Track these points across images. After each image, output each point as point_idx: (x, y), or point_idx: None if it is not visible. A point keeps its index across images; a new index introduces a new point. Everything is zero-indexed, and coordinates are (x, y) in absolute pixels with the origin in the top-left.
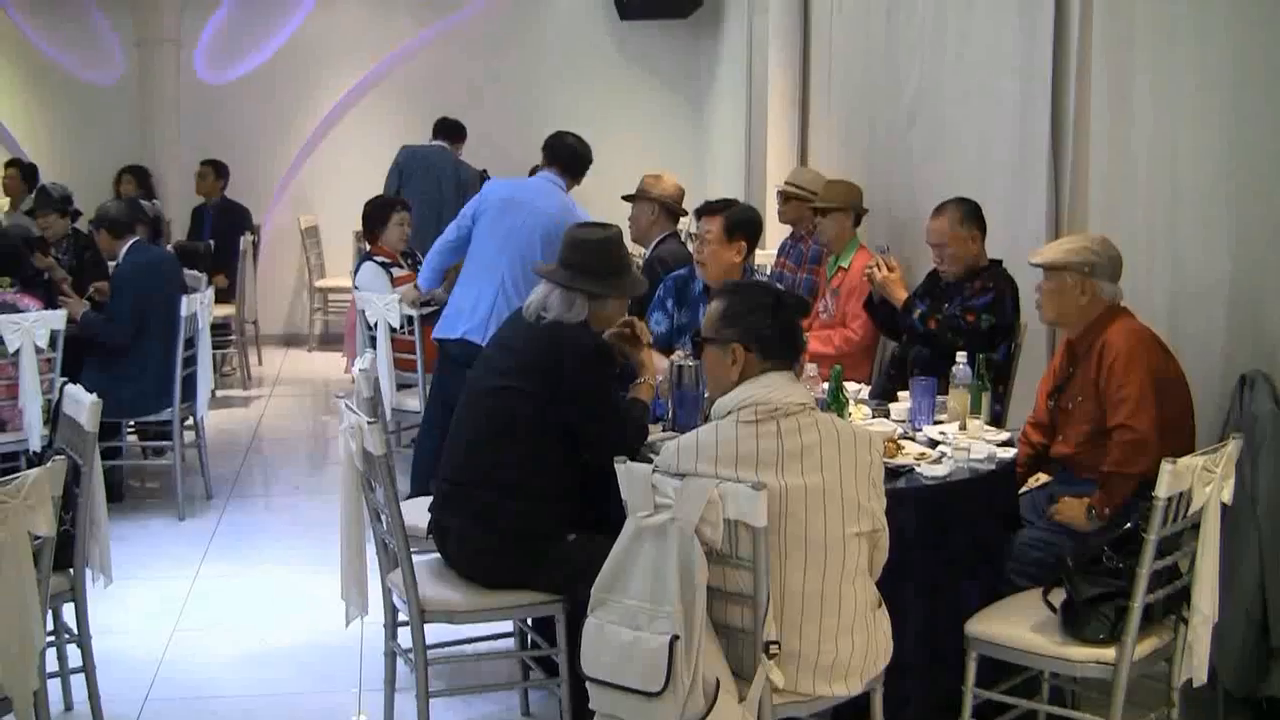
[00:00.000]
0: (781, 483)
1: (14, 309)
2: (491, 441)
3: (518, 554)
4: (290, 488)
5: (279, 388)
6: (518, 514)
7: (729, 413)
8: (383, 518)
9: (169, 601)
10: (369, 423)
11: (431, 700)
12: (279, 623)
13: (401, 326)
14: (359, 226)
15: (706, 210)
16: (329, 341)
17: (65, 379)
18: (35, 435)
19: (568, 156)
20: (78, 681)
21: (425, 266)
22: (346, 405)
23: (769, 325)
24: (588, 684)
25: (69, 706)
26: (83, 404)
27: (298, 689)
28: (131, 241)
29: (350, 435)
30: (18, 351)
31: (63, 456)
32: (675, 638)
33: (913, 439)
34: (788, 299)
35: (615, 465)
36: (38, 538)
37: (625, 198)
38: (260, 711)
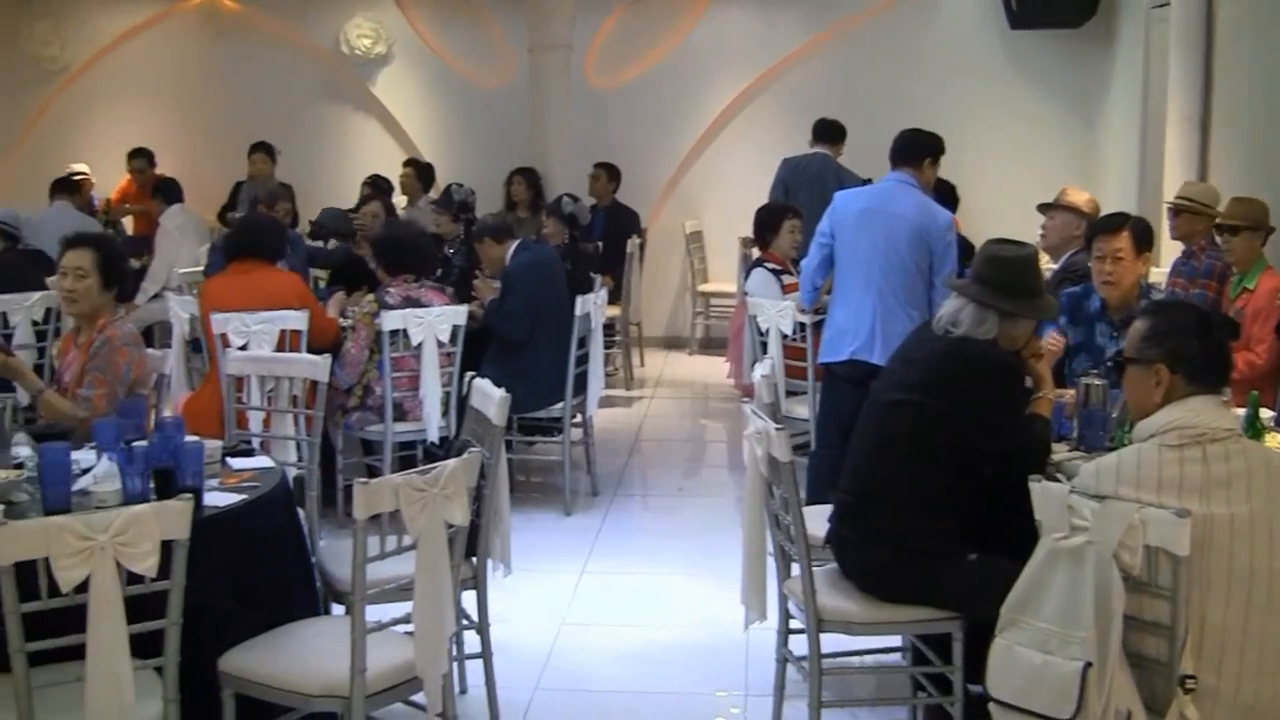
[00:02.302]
0: (1206, 511)
1: (418, 304)
2: (892, 455)
3: (917, 570)
4: (672, 489)
5: (660, 389)
6: (919, 531)
7: (1151, 435)
8: (782, 523)
9: (557, 594)
10: (776, 428)
11: (822, 710)
12: (662, 622)
13: (793, 333)
14: (743, 232)
15: (1106, 229)
16: (710, 346)
17: (473, 373)
18: (434, 426)
19: (910, 150)
20: (472, 667)
21: (803, 287)
22: (753, 411)
23: (1196, 347)
24: (992, 706)
25: (464, 690)
26: (491, 398)
27: (681, 688)
28: (515, 244)
29: (756, 440)
30: (420, 345)
31: (477, 449)
32: (1088, 664)
33: None
34: (1216, 319)
35: (1030, 484)
36: (451, 526)
37: (1041, 207)
38: (644, 708)
